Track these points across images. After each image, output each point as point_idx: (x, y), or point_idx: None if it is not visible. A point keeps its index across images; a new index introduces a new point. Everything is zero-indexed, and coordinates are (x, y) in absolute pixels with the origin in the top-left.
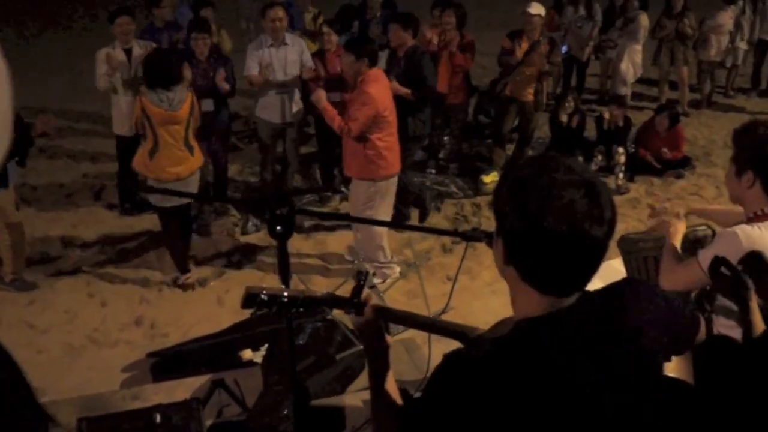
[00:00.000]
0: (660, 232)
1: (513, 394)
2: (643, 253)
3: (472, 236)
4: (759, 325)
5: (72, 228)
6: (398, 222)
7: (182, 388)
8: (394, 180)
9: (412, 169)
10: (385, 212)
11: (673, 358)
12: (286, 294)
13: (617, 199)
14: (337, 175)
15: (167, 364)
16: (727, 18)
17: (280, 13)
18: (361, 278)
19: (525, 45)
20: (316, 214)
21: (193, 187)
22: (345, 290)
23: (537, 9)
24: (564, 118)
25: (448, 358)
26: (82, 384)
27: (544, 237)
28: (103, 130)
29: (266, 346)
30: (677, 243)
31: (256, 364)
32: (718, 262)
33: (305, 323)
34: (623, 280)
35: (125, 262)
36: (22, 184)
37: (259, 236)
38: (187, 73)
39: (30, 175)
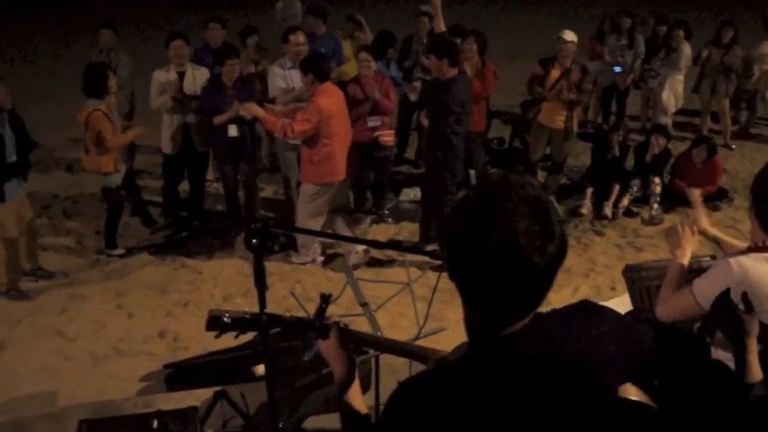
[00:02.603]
0: (667, 258)
1: (458, 420)
2: (646, 282)
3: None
4: (756, 370)
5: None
6: (382, 242)
7: (192, 399)
8: (329, 188)
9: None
10: (316, 214)
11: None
12: (247, 317)
13: (650, 229)
14: (370, 198)
15: (181, 375)
16: None
17: (301, 38)
18: (323, 301)
19: (556, 72)
20: (295, 229)
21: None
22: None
23: (570, 36)
24: (614, 151)
25: (401, 384)
26: (100, 391)
27: (482, 264)
28: (146, 147)
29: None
30: (685, 262)
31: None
32: (720, 300)
33: (313, 340)
34: (579, 303)
35: (155, 276)
36: (64, 198)
37: (284, 255)
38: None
39: (73, 188)
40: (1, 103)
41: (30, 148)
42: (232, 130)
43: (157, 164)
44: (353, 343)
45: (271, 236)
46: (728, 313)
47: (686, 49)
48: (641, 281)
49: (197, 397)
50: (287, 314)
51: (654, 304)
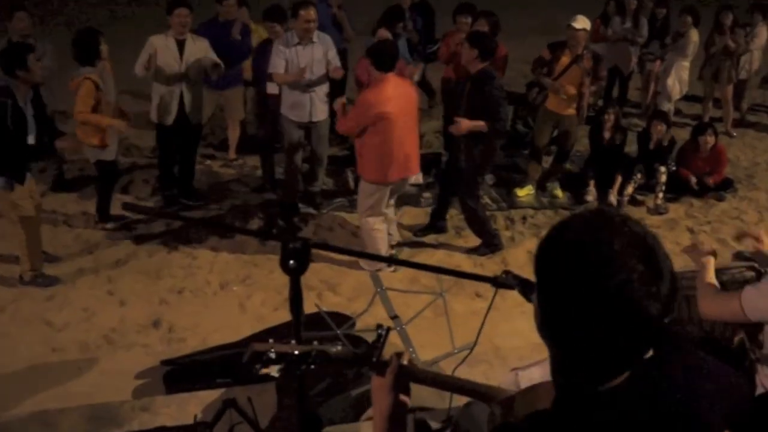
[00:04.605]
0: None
1: None
2: (684, 292)
3: (503, 284)
4: None
5: (97, 222)
6: (425, 265)
7: (194, 402)
8: (385, 188)
9: None
10: (377, 213)
11: None
12: (296, 351)
13: (655, 219)
14: None
15: (181, 373)
16: None
17: (312, 14)
18: (381, 333)
19: (566, 59)
20: (334, 249)
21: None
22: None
23: (582, 23)
24: (607, 134)
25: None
26: (93, 389)
27: (590, 315)
28: (136, 122)
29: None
30: (711, 275)
31: (273, 378)
32: None
33: (324, 338)
34: (671, 350)
35: (148, 261)
36: (51, 174)
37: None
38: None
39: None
40: (32, 76)
41: (51, 134)
42: (272, 88)
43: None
44: (411, 380)
45: (273, 222)
46: None
47: (694, 36)
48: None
49: (200, 400)
50: (337, 347)
51: (694, 314)
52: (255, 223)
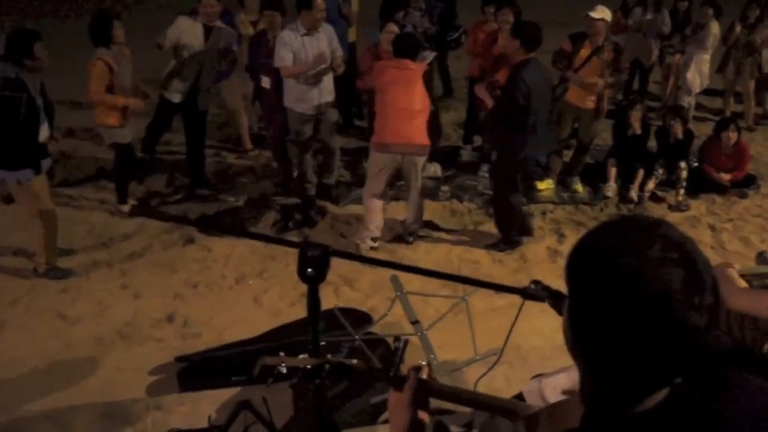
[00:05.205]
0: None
1: None
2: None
3: (532, 295)
4: None
5: (110, 215)
6: (449, 274)
7: (207, 401)
8: (382, 156)
9: (462, 170)
10: (375, 185)
11: None
12: (308, 366)
13: (676, 216)
14: None
15: (195, 371)
16: None
17: (322, 3)
18: (398, 346)
19: (586, 51)
20: (352, 257)
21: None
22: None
23: (601, 13)
24: (633, 130)
25: None
26: (106, 385)
27: (628, 331)
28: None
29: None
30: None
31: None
32: None
33: (342, 342)
34: (711, 368)
35: (163, 254)
36: (65, 164)
37: (298, 234)
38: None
39: (73, 158)
40: (40, 64)
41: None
42: (265, 81)
43: None
44: (432, 395)
45: (289, 215)
46: None
47: (714, 28)
48: None
49: (213, 399)
50: (352, 361)
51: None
52: (271, 217)
